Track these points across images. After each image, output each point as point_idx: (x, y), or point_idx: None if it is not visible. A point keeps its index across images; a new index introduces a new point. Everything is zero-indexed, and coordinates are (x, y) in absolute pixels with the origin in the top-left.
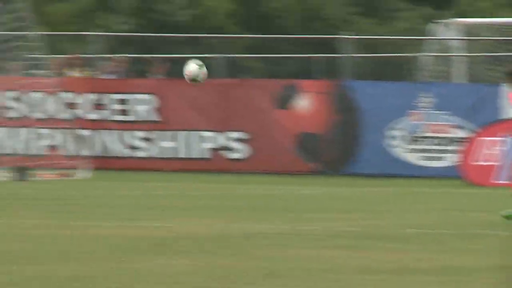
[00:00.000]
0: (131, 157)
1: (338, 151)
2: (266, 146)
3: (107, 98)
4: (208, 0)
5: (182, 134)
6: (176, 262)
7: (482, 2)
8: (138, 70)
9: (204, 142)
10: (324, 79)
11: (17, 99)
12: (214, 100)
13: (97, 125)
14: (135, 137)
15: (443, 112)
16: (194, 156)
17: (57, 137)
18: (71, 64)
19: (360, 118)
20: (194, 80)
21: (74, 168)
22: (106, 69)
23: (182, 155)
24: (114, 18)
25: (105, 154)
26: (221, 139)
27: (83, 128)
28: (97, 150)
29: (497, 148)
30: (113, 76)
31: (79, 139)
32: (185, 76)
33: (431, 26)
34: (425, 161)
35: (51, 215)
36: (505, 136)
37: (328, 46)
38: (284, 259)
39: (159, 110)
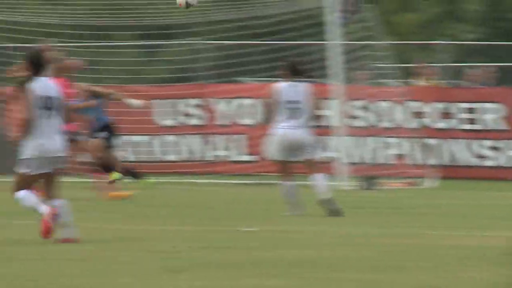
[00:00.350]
0: (479, 166)
1: None
2: None
3: (454, 107)
4: None
5: None
6: None
7: None
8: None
9: None
10: None
11: (364, 108)
12: None
13: (444, 134)
14: (483, 146)
15: None
16: None
17: (405, 146)
18: (418, 73)
19: None
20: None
21: (421, 177)
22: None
23: None
24: (461, 27)
25: (453, 163)
26: None
27: (430, 137)
28: (445, 159)
29: None
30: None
31: (426, 148)
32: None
33: None
34: None
35: (397, 223)
36: None
37: None
38: None
39: (507, 118)
